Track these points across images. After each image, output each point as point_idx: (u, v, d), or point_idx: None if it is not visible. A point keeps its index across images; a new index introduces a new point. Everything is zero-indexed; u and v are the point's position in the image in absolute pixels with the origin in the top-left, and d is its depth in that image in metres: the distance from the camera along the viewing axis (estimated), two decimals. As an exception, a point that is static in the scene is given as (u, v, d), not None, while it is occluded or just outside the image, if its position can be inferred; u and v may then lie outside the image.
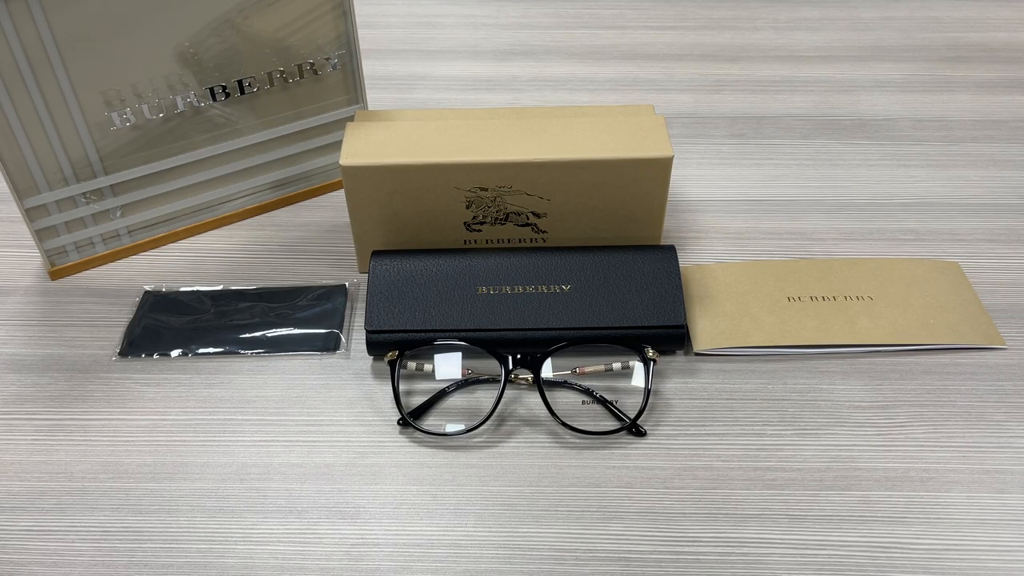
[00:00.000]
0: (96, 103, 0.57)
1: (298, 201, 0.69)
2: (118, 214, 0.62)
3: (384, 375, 0.54)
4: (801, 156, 0.73)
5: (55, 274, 0.62)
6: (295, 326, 0.57)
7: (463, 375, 0.53)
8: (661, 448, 0.50)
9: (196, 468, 0.49)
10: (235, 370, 0.55)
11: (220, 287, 0.61)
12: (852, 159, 0.72)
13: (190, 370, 0.55)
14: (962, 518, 0.46)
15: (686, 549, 0.45)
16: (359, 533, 0.46)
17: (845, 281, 0.59)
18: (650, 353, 0.52)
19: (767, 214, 0.66)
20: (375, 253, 0.57)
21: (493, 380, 0.54)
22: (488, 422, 0.51)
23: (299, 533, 0.46)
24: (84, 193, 0.60)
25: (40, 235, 0.60)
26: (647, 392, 0.51)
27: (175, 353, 0.56)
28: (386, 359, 0.53)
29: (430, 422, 0.52)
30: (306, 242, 0.65)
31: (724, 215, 0.67)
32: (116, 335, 0.57)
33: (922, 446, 0.50)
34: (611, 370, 0.53)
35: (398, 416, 0.51)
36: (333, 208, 0.68)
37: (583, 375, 0.53)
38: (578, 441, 0.50)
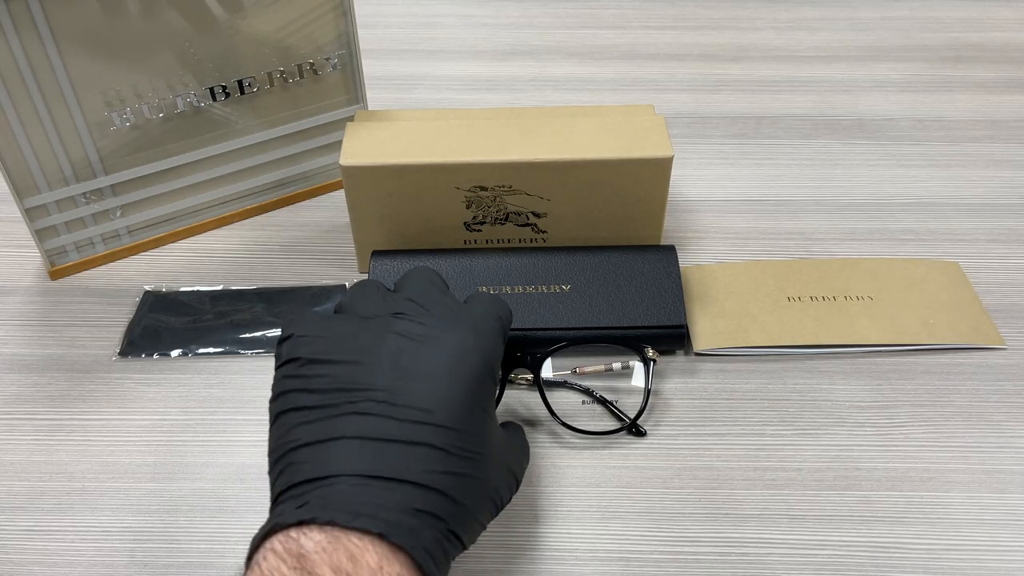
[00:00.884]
0: (96, 103, 0.57)
1: (298, 201, 0.69)
2: (118, 214, 0.62)
3: (384, 375, 0.54)
4: (801, 156, 0.73)
5: (55, 274, 0.62)
6: (295, 326, 0.57)
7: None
8: (661, 448, 0.50)
9: (196, 468, 0.49)
10: (235, 370, 0.55)
11: (220, 287, 0.61)
12: (852, 159, 0.72)
13: (190, 370, 0.55)
14: (962, 518, 0.46)
15: (686, 549, 0.45)
16: (359, 533, 0.46)
17: (845, 281, 0.59)
18: (650, 353, 0.52)
19: (767, 214, 0.66)
20: (375, 253, 0.57)
21: (493, 380, 0.54)
22: (488, 422, 0.51)
23: (299, 533, 0.46)
24: (84, 193, 0.60)
25: (40, 235, 0.60)
26: (647, 392, 0.51)
27: (175, 353, 0.56)
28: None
29: (430, 422, 0.52)
30: (306, 242, 0.65)
31: (724, 215, 0.67)
32: (116, 335, 0.57)
33: (922, 446, 0.50)
34: (611, 370, 0.53)
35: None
36: (333, 208, 0.68)
37: (583, 375, 0.53)
38: (578, 441, 0.50)
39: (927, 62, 0.85)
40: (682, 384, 0.53)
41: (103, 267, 0.63)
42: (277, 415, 0.38)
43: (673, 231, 0.65)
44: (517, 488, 0.41)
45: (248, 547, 0.34)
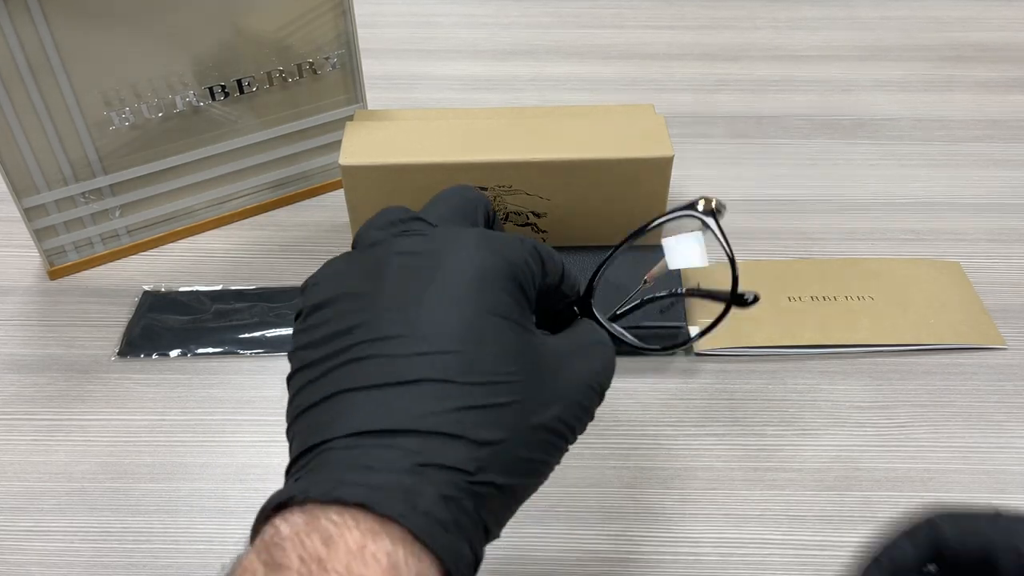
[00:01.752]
0: (95, 103, 0.57)
1: (298, 201, 0.68)
2: (117, 214, 0.62)
3: (384, 375, 0.54)
4: (801, 156, 0.73)
5: (54, 274, 0.62)
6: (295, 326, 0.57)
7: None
8: (661, 448, 0.50)
9: (196, 468, 0.49)
10: (234, 370, 0.55)
11: (219, 287, 0.61)
12: (852, 159, 0.72)
13: (189, 370, 0.55)
14: (963, 518, 0.46)
15: (686, 549, 0.45)
16: (359, 533, 0.46)
17: (845, 281, 0.59)
18: (701, 207, 0.40)
19: (767, 214, 0.66)
20: (375, 253, 0.57)
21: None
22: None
23: (299, 533, 0.46)
24: (83, 193, 0.60)
25: (39, 235, 0.59)
26: (731, 258, 0.39)
27: (174, 353, 0.56)
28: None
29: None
30: (306, 242, 0.65)
31: (725, 215, 0.66)
32: (115, 335, 0.57)
33: (923, 446, 0.50)
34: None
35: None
36: (333, 208, 0.68)
37: (652, 279, 0.44)
38: (578, 441, 0.50)
39: (927, 62, 0.85)
40: (682, 384, 0.53)
41: (102, 267, 0.63)
42: (288, 381, 0.33)
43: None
44: (600, 400, 0.33)
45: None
